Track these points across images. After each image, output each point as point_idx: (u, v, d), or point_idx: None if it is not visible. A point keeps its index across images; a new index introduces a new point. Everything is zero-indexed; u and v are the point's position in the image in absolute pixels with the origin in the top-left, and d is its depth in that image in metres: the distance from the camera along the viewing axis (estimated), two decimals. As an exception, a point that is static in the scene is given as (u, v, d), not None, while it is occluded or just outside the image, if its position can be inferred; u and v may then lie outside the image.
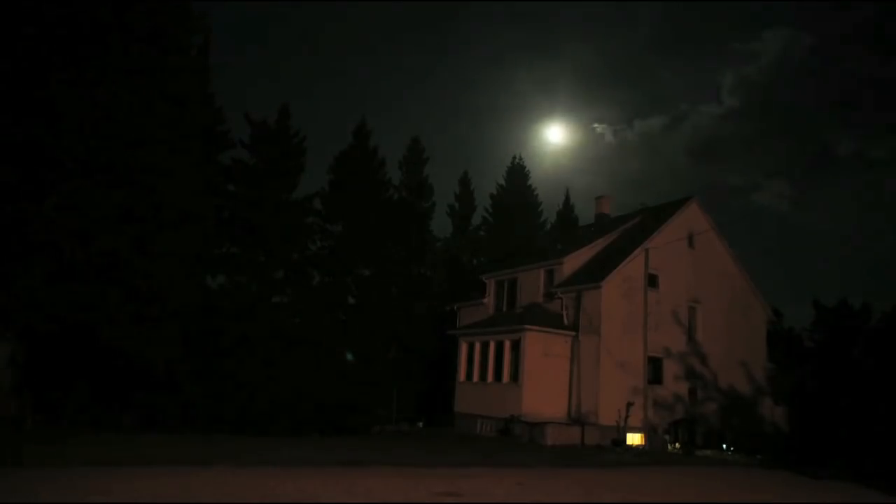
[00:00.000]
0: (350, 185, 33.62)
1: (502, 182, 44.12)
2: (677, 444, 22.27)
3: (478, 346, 25.09)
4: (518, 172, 44.34)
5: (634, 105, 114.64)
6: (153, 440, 15.27)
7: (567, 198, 46.39)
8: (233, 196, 29.62)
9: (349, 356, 31.98)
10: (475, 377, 24.93)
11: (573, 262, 25.60)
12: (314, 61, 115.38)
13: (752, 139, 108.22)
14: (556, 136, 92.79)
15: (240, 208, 29.20)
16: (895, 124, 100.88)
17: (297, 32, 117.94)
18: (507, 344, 23.58)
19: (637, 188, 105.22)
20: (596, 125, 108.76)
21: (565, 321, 24.03)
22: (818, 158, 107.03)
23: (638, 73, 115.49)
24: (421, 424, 28.45)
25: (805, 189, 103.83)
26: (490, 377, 24.18)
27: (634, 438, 22.23)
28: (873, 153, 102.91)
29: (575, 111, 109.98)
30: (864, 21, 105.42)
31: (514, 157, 45.37)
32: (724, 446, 22.61)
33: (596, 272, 24.10)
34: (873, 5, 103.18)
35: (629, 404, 21.73)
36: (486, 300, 28.72)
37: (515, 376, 22.91)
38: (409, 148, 39.44)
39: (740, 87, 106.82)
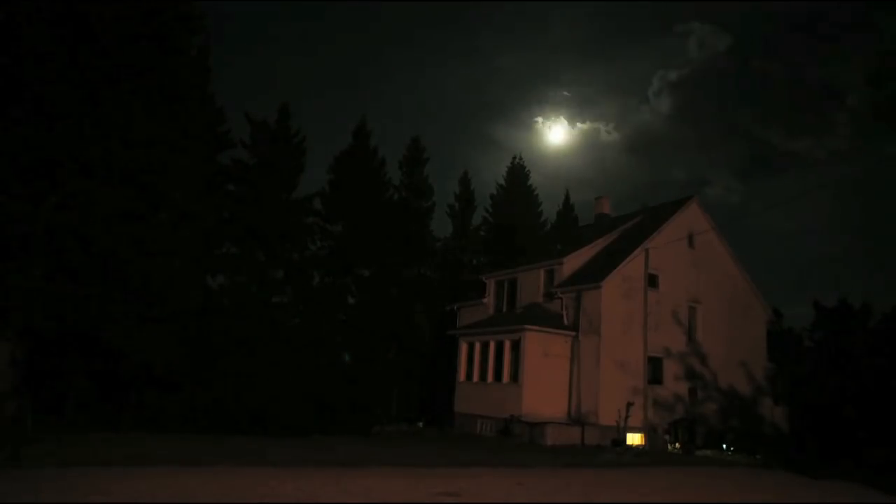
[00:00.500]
0: (350, 185, 33.62)
1: (502, 182, 44.18)
2: (677, 444, 22.27)
3: (478, 346, 25.09)
4: (518, 172, 44.36)
5: (570, 104, 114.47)
6: (153, 440, 15.26)
7: (567, 198, 46.44)
8: (233, 196, 29.64)
9: (347, 357, 32.01)
10: (475, 377, 24.93)
11: (573, 262, 25.60)
12: (314, 61, 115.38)
13: (688, 136, 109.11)
14: (557, 135, 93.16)
15: (240, 208, 29.22)
16: (819, 125, 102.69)
17: (297, 32, 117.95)
18: (507, 344, 23.58)
19: (582, 187, 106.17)
20: (538, 119, 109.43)
21: (565, 321, 24.03)
22: (755, 155, 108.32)
23: (569, 73, 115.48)
24: (421, 424, 28.44)
25: (750, 184, 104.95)
26: (490, 377, 24.18)
27: (634, 438, 22.22)
28: (810, 152, 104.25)
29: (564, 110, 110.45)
30: (784, 21, 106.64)
31: (514, 157, 45.46)
32: (724, 446, 22.60)
33: (596, 272, 24.10)
34: (793, 6, 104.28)
35: (629, 404, 21.72)
36: (486, 300, 28.72)
37: (515, 376, 22.91)
38: (409, 148, 39.42)
39: (670, 85, 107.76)
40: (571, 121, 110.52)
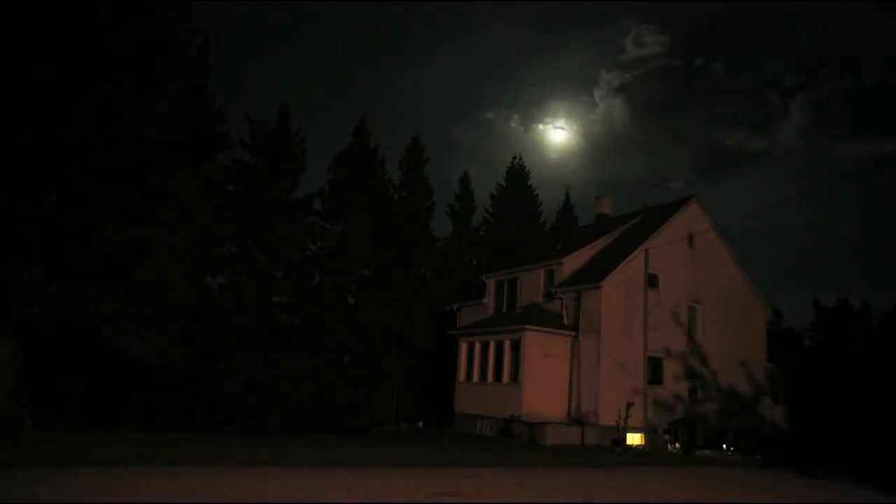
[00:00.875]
0: (350, 185, 33.63)
1: (502, 182, 44.17)
2: (677, 444, 22.27)
3: (478, 346, 25.09)
4: (518, 172, 44.35)
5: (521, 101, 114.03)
6: (153, 440, 15.25)
7: (567, 198, 46.49)
8: (233, 196, 29.67)
9: (346, 357, 31.99)
10: (475, 377, 24.92)
11: (573, 262, 25.59)
12: (314, 61, 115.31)
13: (640, 135, 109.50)
14: (558, 134, 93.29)
15: (240, 208, 29.24)
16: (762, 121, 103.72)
17: (297, 32, 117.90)
18: (507, 344, 23.58)
19: (541, 186, 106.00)
20: (490, 115, 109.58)
21: (565, 321, 24.02)
22: (705, 152, 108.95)
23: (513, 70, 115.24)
24: (421, 424, 28.41)
25: (710, 183, 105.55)
26: (490, 377, 24.17)
27: (634, 438, 22.22)
28: (750, 146, 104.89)
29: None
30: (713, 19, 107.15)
31: (514, 157, 45.45)
32: (724, 446, 22.60)
33: (596, 272, 24.09)
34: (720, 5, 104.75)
35: (629, 404, 21.71)
36: (486, 300, 28.71)
37: (515, 376, 22.90)
38: (409, 148, 39.40)
39: (614, 87, 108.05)
40: (524, 121, 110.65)
